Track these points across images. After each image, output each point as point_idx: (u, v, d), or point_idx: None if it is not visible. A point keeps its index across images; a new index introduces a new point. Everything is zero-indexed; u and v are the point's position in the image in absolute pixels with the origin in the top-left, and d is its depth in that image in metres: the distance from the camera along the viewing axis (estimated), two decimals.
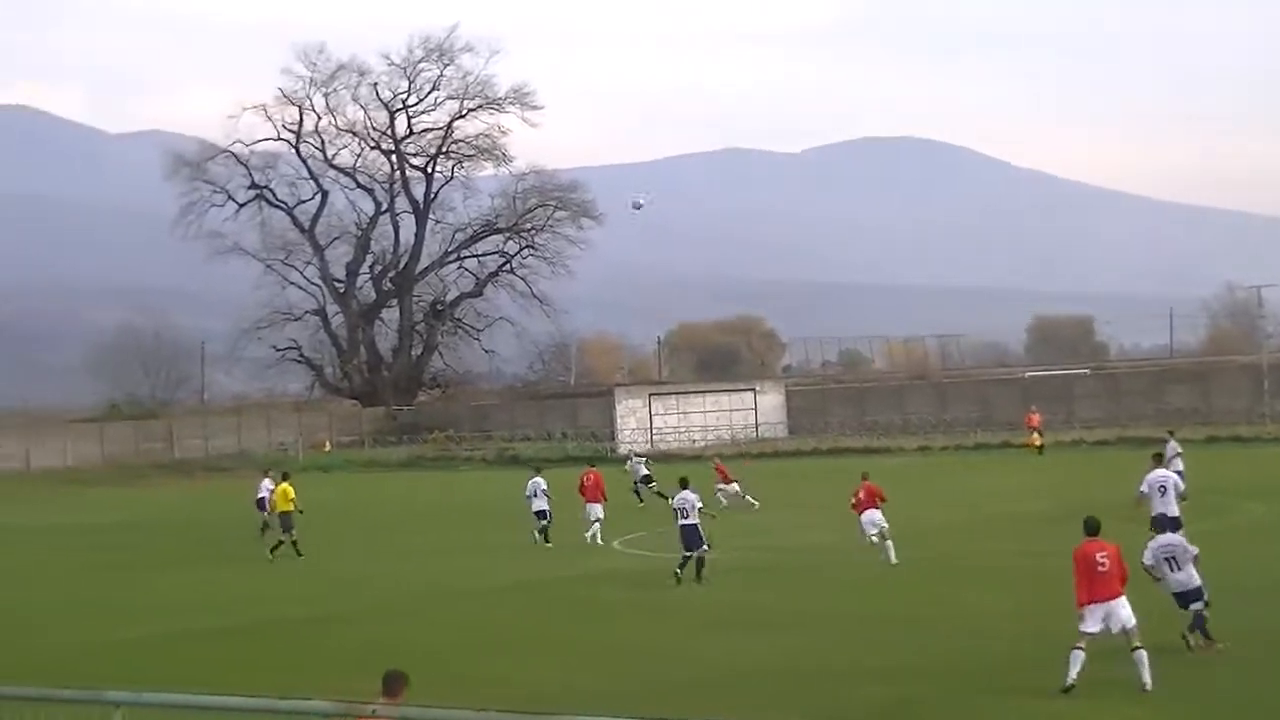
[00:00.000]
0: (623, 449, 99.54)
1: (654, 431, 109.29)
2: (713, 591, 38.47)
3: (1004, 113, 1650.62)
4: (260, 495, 60.15)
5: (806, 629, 32.29)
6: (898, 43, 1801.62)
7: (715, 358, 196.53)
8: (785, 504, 62.14)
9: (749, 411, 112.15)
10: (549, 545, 50.74)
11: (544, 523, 51.87)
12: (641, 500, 64.17)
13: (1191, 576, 27.41)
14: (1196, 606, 27.34)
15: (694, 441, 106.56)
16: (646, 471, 66.15)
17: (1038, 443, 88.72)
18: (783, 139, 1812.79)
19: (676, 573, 39.86)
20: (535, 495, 52.59)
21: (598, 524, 51.08)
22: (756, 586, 39.11)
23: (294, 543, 51.02)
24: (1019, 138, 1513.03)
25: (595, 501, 51.80)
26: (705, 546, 40.06)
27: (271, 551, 51.15)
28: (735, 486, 62.23)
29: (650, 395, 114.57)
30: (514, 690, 26.02)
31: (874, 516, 42.85)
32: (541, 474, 54.39)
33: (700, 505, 40.95)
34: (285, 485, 52.44)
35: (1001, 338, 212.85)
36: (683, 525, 40.43)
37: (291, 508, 51.60)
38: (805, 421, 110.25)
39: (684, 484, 41.88)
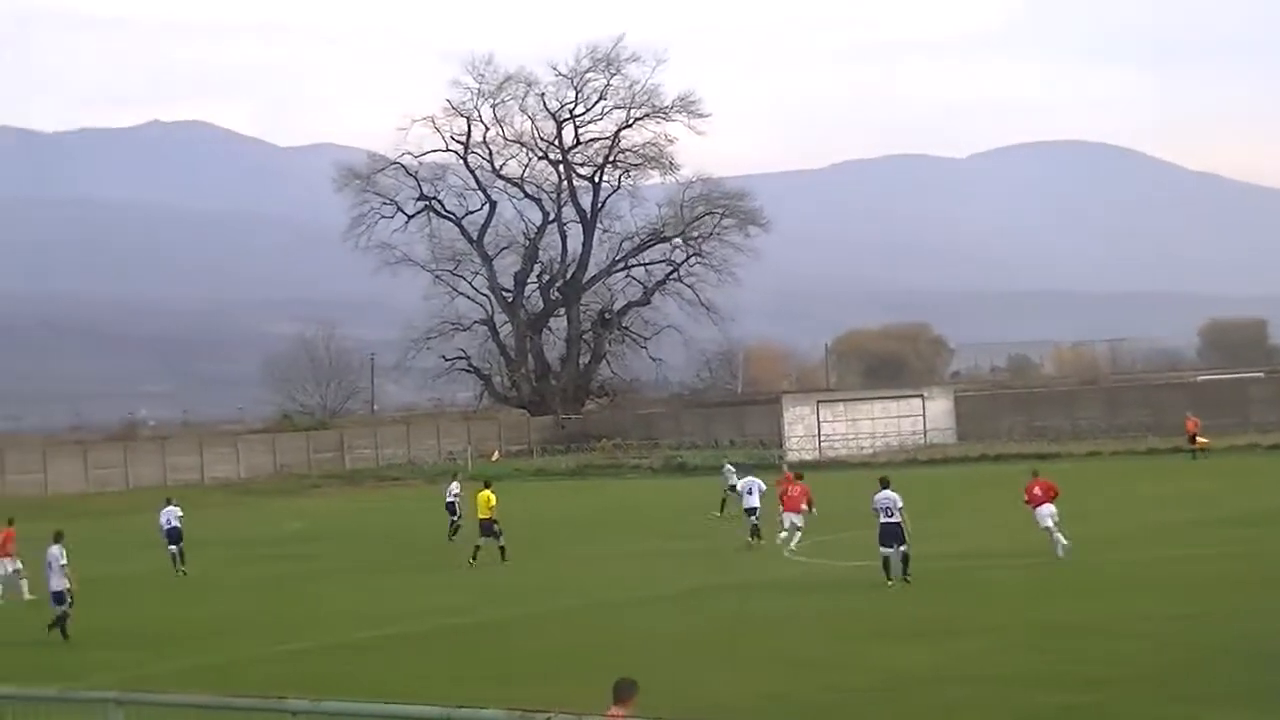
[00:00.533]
0: (790, 456, 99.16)
1: (822, 439, 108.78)
2: (884, 599, 38.22)
3: (1173, 114, 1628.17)
4: (449, 500, 63.05)
5: (980, 636, 31.95)
6: (1064, 46, 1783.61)
7: (883, 365, 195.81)
8: (956, 511, 61.43)
9: (917, 418, 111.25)
10: (760, 542, 52.48)
11: (755, 519, 53.48)
12: (720, 512, 64.18)
13: None
14: None
15: (862, 449, 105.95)
16: (734, 481, 64.75)
17: (1198, 446, 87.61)
18: (949, 145, 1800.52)
19: (885, 573, 40.53)
20: (750, 492, 54.61)
21: (796, 533, 50.15)
22: (929, 595, 38.73)
23: (501, 548, 51.78)
24: (1189, 140, 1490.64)
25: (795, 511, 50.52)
26: (906, 545, 40.47)
27: (472, 558, 51.77)
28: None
29: (818, 402, 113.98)
30: (688, 700, 25.86)
31: (1048, 509, 43.56)
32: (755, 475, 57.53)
33: (901, 505, 40.93)
34: (487, 492, 52.89)
35: (1172, 342, 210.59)
36: (884, 523, 40.76)
37: (490, 515, 52.15)
38: (974, 428, 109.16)
39: (885, 483, 42.16)
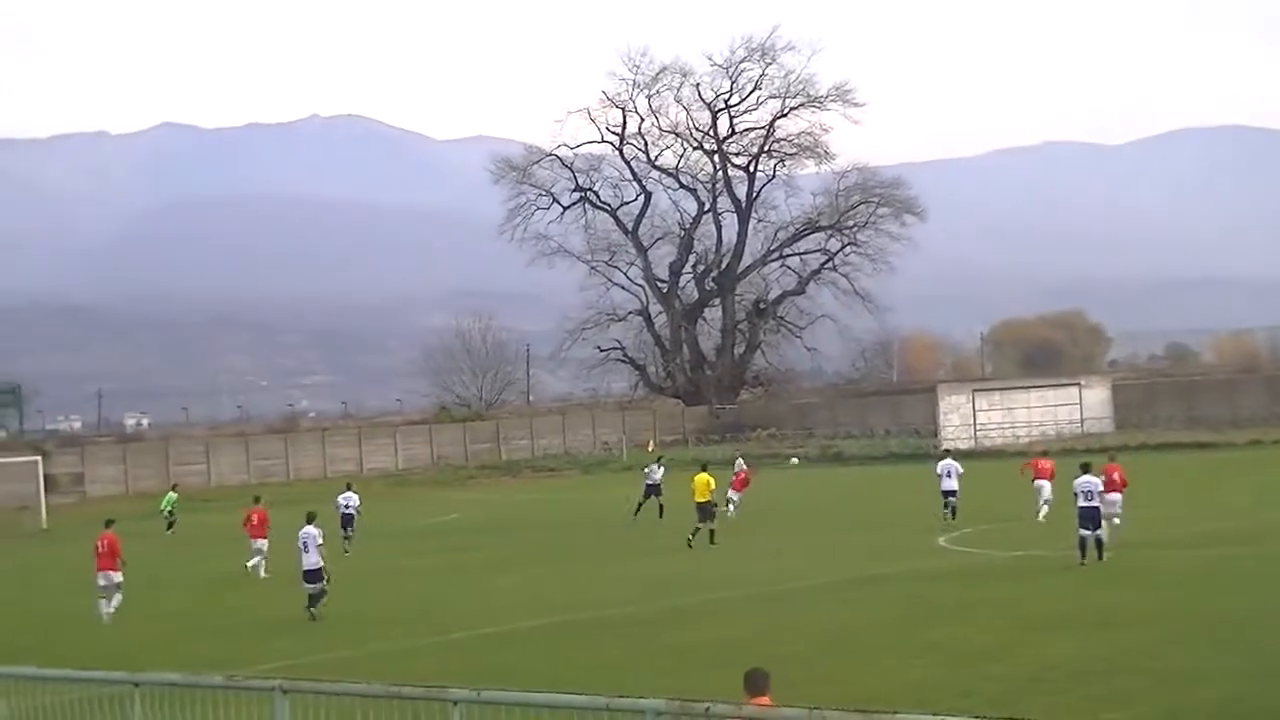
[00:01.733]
0: (945, 445, 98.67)
1: (977, 428, 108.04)
2: (1046, 590, 37.96)
3: None
4: (650, 481, 65.81)
5: (1142, 628, 31.62)
6: (1219, 29, 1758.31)
7: (1039, 353, 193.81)
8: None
9: (1074, 407, 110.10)
10: (954, 521, 55.25)
11: (954, 500, 56.60)
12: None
13: None
14: None
15: (1018, 438, 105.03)
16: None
17: None
18: (1103, 131, 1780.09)
19: (1080, 553, 41.69)
20: (948, 475, 57.17)
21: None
22: (1090, 585, 38.40)
23: (711, 531, 52.84)
24: None
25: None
26: (1099, 529, 41.97)
27: (690, 538, 52.74)
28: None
29: (974, 391, 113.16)
30: (849, 689, 25.84)
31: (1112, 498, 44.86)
32: (953, 456, 60.59)
33: (1101, 489, 42.57)
34: (705, 475, 54.31)
35: None
36: (1083, 506, 42.02)
37: (709, 498, 53.46)
38: (1132, 416, 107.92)
39: (1085, 468, 43.66)
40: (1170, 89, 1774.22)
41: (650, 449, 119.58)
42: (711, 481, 53.99)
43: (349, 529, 59.68)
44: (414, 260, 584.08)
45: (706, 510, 53.30)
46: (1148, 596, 35.80)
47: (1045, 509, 52.80)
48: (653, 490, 65.47)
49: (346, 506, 59.92)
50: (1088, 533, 41.80)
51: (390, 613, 41.34)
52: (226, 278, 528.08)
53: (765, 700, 15.55)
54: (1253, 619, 31.96)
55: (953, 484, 57.00)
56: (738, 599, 40.16)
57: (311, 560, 40.66)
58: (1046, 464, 54.94)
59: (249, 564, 52.26)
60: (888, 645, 31.51)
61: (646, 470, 67.67)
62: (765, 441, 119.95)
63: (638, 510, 64.92)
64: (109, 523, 45.39)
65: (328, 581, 40.47)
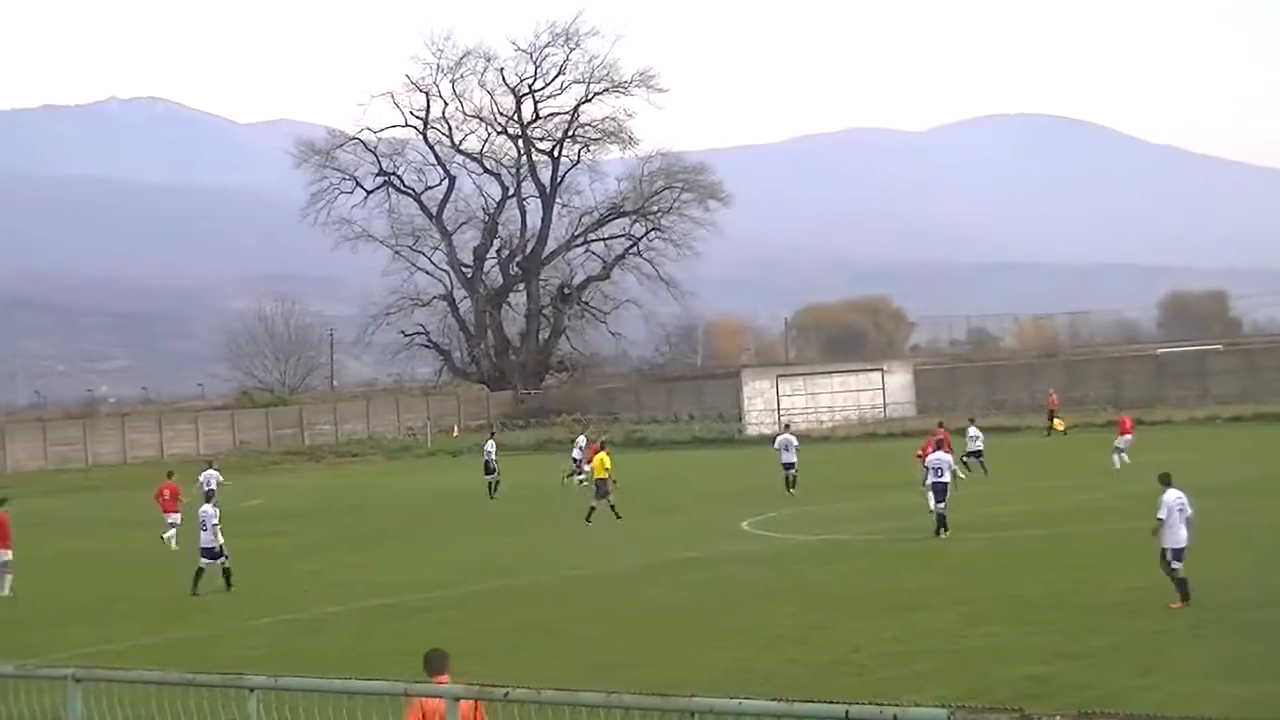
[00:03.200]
0: (749, 430, 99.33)
1: (781, 412, 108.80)
2: (848, 573, 38.30)
3: (1133, 88, 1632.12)
4: (487, 458, 71.65)
5: (943, 609, 31.98)
6: (1020, 19, 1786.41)
7: (843, 338, 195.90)
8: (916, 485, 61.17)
9: (877, 391, 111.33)
10: (794, 492, 59.66)
11: (793, 472, 61.02)
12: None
13: None
14: None
15: (821, 422, 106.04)
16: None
17: (1059, 427, 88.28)
18: (908, 117, 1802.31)
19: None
20: (786, 448, 61.58)
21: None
22: (896, 568, 38.77)
23: (612, 506, 53.89)
24: (1149, 113, 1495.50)
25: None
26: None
27: (587, 518, 53.70)
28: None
29: (778, 376, 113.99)
30: (653, 672, 25.91)
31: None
32: (791, 431, 64.80)
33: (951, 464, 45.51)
34: (604, 454, 56.07)
35: (1133, 315, 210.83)
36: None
37: (607, 475, 54.61)
38: (934, 401, 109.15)
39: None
40: (973, 76, 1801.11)
41: (455, 434, 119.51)
42: (608, 460, 55.33)
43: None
44: (217, 244, 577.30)
45: (603, 487, 54.39)
46: (948, 579, 36.21)
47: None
48: (487, 467, 71.51)
49: (209, 484, 60.03)
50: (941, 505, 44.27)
51: (191, 599, 40.81)
52: (23, 259, 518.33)
53: (444, 679, 16.19)
54: (1051, 599, 32.43)
55: (792, 456, 61.28)
56: (542, 583, 40.15)
57: (208, 539, 42.04)
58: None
59: (164, 535, 54.28)
60: (692, 629, 31.62)
61: (485, 449, 72.96)
62: (570, 426, 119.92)
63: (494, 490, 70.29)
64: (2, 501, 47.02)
65: (226, 558, 42.19)
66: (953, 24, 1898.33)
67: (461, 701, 14.63)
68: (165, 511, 54.89)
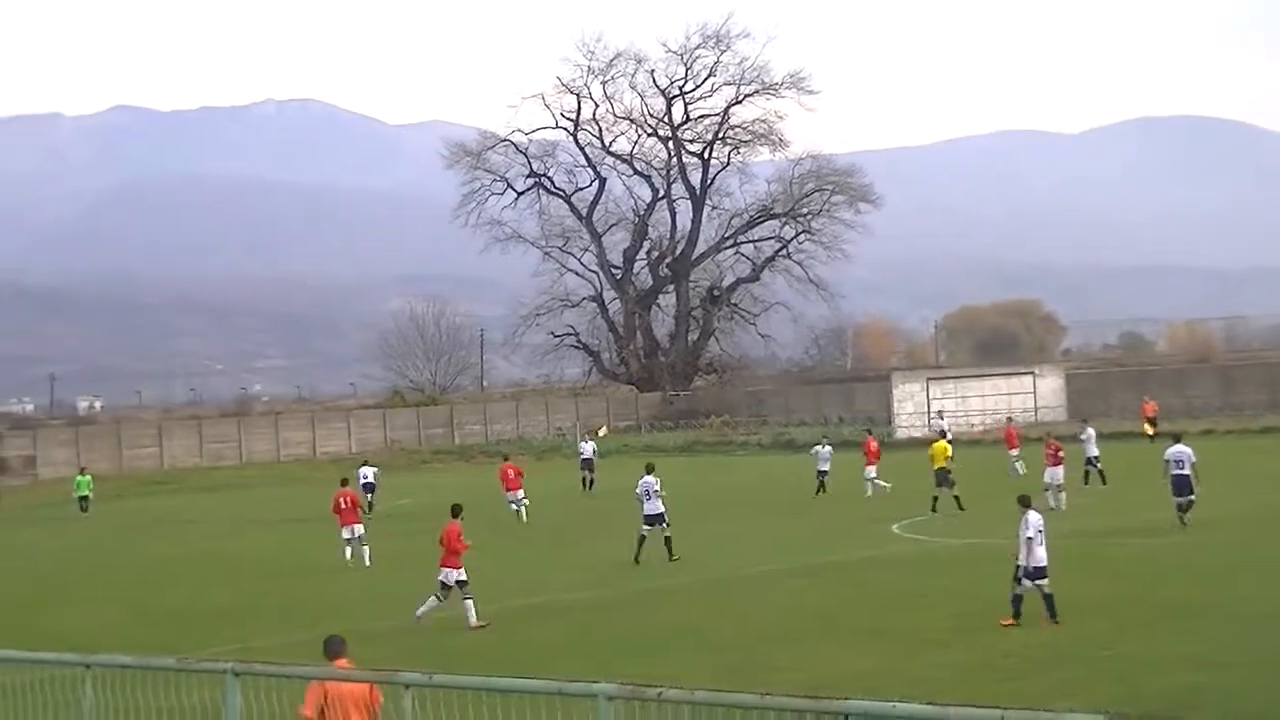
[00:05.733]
0: (899, 433, 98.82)
1: (931, 415, 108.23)
2: (997, 578, 38.01)
3: None
4: (585, 456, 77.31)
5: (1093, 616, 31.71)
6: (1174, 21, 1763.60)
7: (994, 341, 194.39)
8: (1066, 488, 60.60)
9: (1028, 395, 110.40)
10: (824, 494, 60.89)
11: (825, 478, 64.26)
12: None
13: None
14: None
15: (972, 425, 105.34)
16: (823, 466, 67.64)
17: (1150, 432, 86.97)
18: (1060, 120, 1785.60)
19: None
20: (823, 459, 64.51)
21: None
22: (1051, 573, 38.40)
23: (956, 497, 54.19)
24: None
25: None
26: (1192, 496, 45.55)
27: (932, 509, 54.16)
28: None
29: (928, 380, 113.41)
30: (799, 675, 25.91)
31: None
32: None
33: (1194, 459, 46.11)
34: (943, 443, 57.76)
35: None
36: (1175, 475, 46.10)
37: (946, 464, 55.46)
38: (1085, 405, 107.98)
39: (1177, 439, 48.14)
40: (1126, 78, 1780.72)
41: (603, 435, 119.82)
42: (948, 449, 56.80)
43: (371, 496, 68.12)
44: (369, 244, 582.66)
45: (943, 477, 55.17)
46: (1099, 585, 35.89)
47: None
48: (586, 464, 75.78)
49: (365, 477, 69.26)
50: (1180, 499, 45.68)
51: (343, 597, 41.29)
52: (182, 260, 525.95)
53: (344, 662, 17.81)
54: (1202, 608, 32.09)
55: (825, 465, 65.36)
56: (689, 585, 40.19)
57: (650, 507, 45.66)
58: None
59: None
60: (838, 632, 31.60)
61: (580, 447, 78.82)
62: (719, 428, 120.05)
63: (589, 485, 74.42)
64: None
65: (667, 525, 45.71)
66: (1108, 25, 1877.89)
67: (360, 684, 16.82)
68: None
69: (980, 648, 28.85)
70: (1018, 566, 31.53)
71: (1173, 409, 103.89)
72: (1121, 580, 36.70)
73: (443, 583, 35.30)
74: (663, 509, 45.68)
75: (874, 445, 65.56)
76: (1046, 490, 51.91)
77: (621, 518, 56.96)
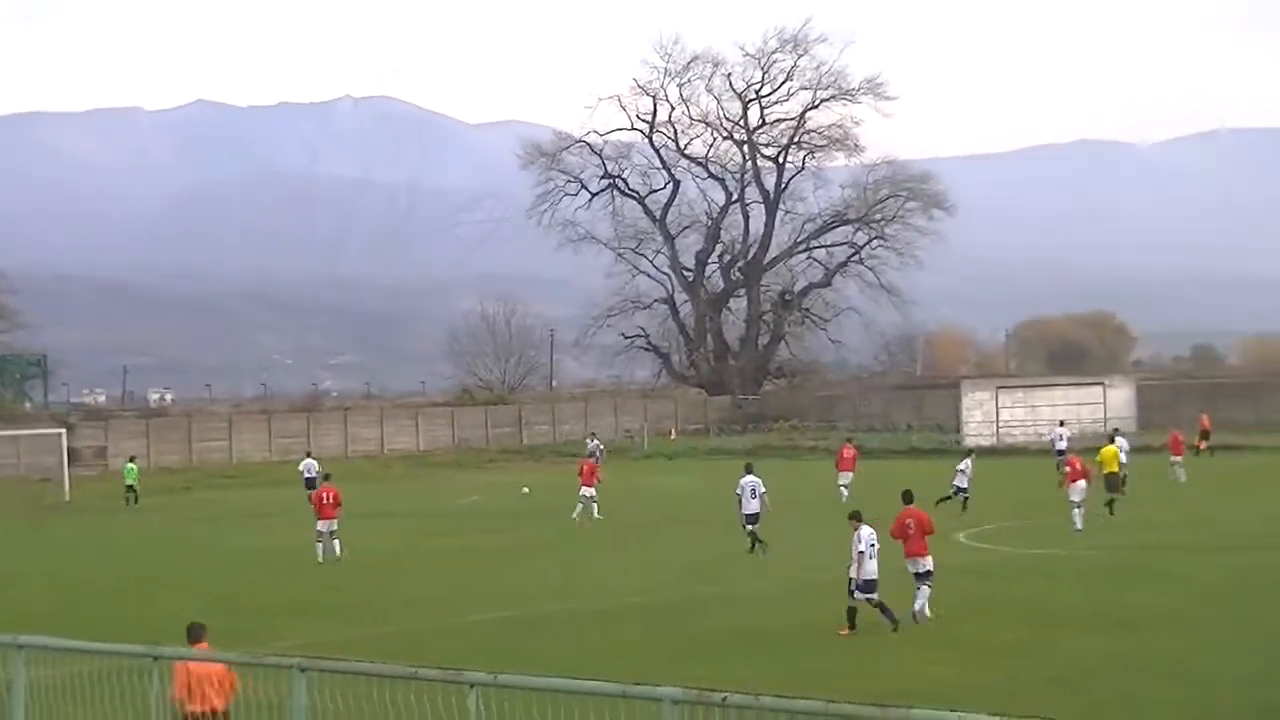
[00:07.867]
0: (967, 441, 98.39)
1: (1000, 425, 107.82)
2: (1066, 588, 37.88)
3: None
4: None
5: (1165, 630, 31.53)
6: (1255, 30, 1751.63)
7: (1065, 352, 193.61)
8: (1138, 500, 60.07)
9: (1098, 406, 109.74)
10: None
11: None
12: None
13: None
14: None
15: (1041, 436, 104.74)
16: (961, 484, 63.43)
17: (1202, 446, 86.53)
18: (1139, 130, 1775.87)
19: None
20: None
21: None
22: (1111, 586, 38.27)
23: (1109, 503, 53.73)
24: None
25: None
26: None
27: (1110, 510, 53.56)
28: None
29: (998, 388, 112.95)
30: (867, 683, 25.84)
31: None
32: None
33: None
34: (1113, 447, 56.85)
35: None
36: None
37: (1118, 468, 55.60)
38: (1155, 417, 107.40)
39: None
40: (1205, 90, 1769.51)
41: (672, 437, 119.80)
42: (1119, 453, 56.67)
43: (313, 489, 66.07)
44: (442, 243, 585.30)
45: (1114, 482, 54.89)
46: (1170, 599, 35.67)
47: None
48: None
49: (309, 471, 73.65)
50: None
51: (410, 594, 41.41)
52: (256, 256, 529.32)
53: (204, 645, 19.74)
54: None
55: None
56: (759, 590, 40.14)
57: (749, 505, 47.86)
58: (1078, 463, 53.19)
59: (575, 515, 60.81)
60: (906, 641, 31.51)
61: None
62: (787, 433, 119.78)
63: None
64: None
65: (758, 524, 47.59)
66: (1190, 35, 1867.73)
67: (217, 665, 18.53)
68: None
69: (1049, 659, 28.68)
70: (850, 579, 33.03)
71: (1245, 423, 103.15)
72: (1193, 594, 36.42)
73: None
74: (758, 509, 46.89)
75: (848, 453, 66.83)
76: (1079, 507, 50.95)
77: (694, 520, 57.02)
